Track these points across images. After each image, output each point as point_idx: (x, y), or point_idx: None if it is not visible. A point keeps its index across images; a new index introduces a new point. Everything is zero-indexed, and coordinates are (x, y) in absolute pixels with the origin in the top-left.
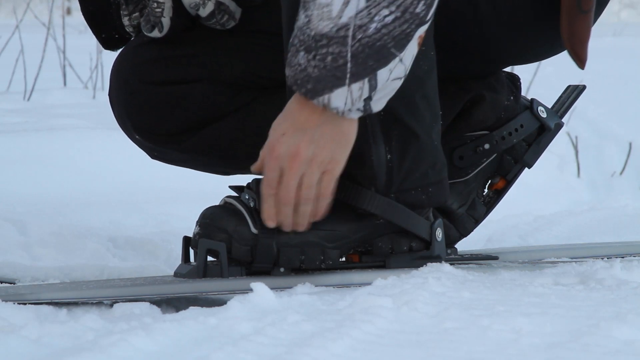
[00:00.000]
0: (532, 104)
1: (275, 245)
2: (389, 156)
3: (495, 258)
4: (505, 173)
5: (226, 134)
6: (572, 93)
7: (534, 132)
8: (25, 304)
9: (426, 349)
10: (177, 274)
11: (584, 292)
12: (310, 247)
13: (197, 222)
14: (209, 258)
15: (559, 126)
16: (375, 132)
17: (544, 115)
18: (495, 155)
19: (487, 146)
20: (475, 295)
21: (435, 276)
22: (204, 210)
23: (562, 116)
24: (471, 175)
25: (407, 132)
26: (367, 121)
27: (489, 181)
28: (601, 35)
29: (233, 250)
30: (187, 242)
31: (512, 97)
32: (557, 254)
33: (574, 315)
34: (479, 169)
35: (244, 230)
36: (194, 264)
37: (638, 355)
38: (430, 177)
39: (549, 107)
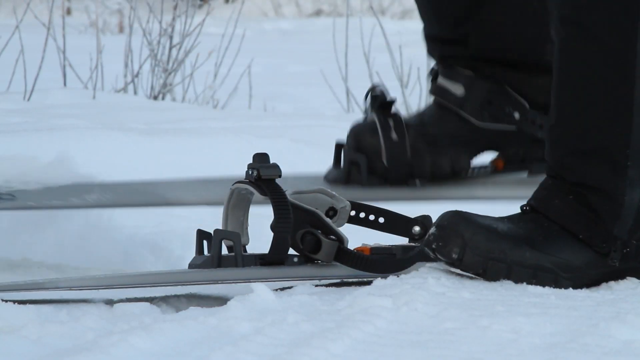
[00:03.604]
0: None
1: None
2: None
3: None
4: (508, 160)
5: None
6: None
7: None
8: (25, 303)
9: (426, 349)
10: (192, 265)
11: (584, 292)
12: (543, 271)
13: (435, 226)
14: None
15: None
16: (635, 177)
17: None
18: (514, 130)
19: (516, 115)
20: (475, 295)
21: (435, 276)
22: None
23: None
24: (484, 124)
25: None
26: (628, 163)
27: (493, 156)
28: None
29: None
30: (200, 235)
31: None
32: None
33: (574, 315)
34: (493, 126)
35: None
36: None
37: (638, 355)
38: None
39: None
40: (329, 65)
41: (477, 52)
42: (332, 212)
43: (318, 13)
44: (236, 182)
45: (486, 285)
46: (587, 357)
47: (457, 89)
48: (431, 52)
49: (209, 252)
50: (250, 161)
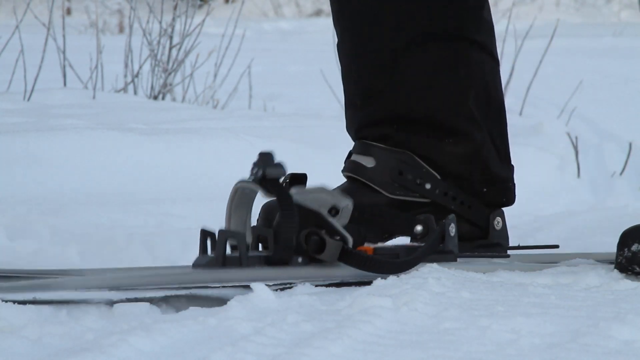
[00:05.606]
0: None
1: None
2: None
3: (507, 256)
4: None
5: None
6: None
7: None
8: (25, 303)
9: (426, 349)
10: (196, 264)
11: (584, 292)
12: None
13: None
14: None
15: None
16: None
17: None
18: (424, 209)
19: (428, 186)
20: (475, 295)
21: (435, 276)
22: None
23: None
24: (396, 196)
25: None
26: None
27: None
28: (601, 35)
29: None
30: (204, 234)
31: (487, 189)
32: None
33: (574, 315)
34: (404, 198)
35: None
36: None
37: (638, 355)
38: None
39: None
40: (329, 65)
41: (392, 109)
42: (334, 211)
43: (318, 13)
44: (240, 182)
45: (486, 285)
46: (587, 357)
47: (368, 162)
48: (349, 126)
49: (212, 251)
50: (251, 161)
